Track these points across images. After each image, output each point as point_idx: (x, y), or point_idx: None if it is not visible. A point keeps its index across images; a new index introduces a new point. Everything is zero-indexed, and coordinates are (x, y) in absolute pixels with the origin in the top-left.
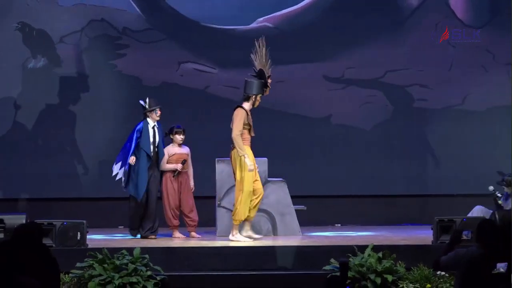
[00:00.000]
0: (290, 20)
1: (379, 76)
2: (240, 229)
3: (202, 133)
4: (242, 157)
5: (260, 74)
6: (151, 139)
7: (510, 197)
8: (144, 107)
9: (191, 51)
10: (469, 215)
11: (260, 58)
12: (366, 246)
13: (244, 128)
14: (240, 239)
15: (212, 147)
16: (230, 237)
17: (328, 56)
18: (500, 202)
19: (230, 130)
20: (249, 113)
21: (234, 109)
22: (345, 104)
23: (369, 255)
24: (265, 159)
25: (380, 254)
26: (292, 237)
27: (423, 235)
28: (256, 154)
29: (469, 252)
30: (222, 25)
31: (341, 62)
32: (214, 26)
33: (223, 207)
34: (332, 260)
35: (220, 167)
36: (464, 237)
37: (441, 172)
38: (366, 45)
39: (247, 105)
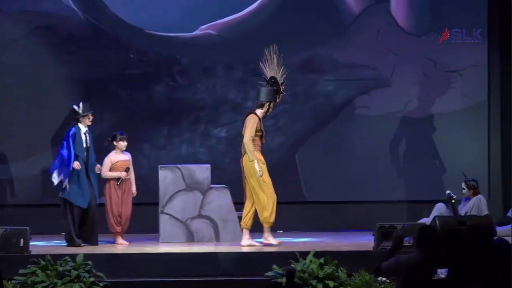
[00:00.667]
0: (233, 28)
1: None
2: (241, 237)
3: (145, 139)
4: (252, 163)
5: (273, 81)
6: (84, 145)
7: (471, 203)
8: (76, 112)
9: (135, 57)
10: (432, 214)
11: (271, 65)
12: (308, 252)
13: (255, 135)
14: (272, 242)
15: (155, 154)
16: (263, 240)
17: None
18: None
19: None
20: (261, 120)
21: (247, 115)
22: None
23: (310, 261)
24: (208, 165)
25: (322, 260)
26: (234, 243)
27: (365, 241)
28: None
29: (409, 258)
30: (165, 32)
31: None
32: (157, 33)
33: (166, 213)
34: (275, 266)
35: (163, 174)
36: (406, 243)
37: (384, 178)
38: (313, 50)
39: (260, 112)
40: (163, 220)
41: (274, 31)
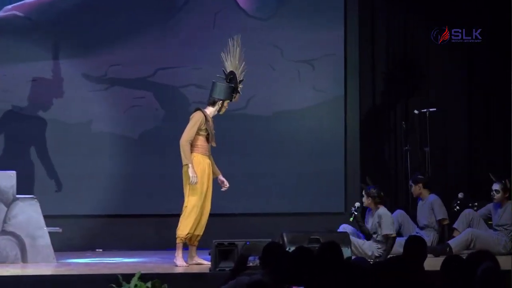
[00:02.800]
0: (44, 9)
1: (149, 74)
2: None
3: None
4: (187, 167)
5: (231, 77)
6: None
7: (374, 216)
8: None
9: None
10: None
11: (232, 59)
12: (133, 275)
13: (199, 134)
14: (178, 263)
15: None
16: (174, 260)
17: (89, 52)
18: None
19: None
20: (210, 119)
21: (194, 111)
22: (108, 107)
23: (135, 285)
24: (14, 172)
25: (150, 284)
26: (45, 264)
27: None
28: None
29: (252, 280)
30: None
31: (104, 59)
32: None
33: None
34: None
35: None
36: (250, 264)
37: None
38: (133, 39)
39: (210, 110)
40: None
41: (90, 17)
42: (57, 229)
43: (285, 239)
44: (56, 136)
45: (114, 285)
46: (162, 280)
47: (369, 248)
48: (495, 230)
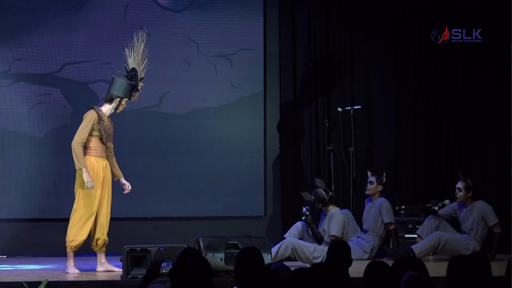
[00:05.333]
0: None
1: (56, 70)
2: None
3: None
4: (80, 171)
5: (133, 74)
6: None
7: (326, 218)
8: None
9: None
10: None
11: (136, 55)
12: (39, 283)
13: (92, 135)
14: (70, 271)
15: None
16: (66, 270)
17: None
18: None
19: None
20: (104, 118)
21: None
22: (12, 104)
23: None
24: None
25: None
26: None
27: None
28: None
29: None
30: None
31: (7, 53)
32: None
33: None
34: None
35: None
36: (163, 270)
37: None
38: (39, 32)
39: (106, 107)
40: None
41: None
42: None
43: (201, 244)
44: None
45: None
46: None
47: (320, 252)
48: (463, 233)
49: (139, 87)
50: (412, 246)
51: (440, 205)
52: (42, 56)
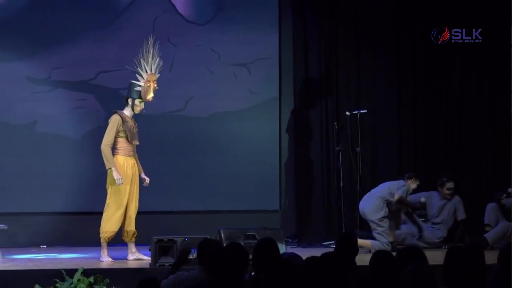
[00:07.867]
0: None
1: (90, 77)
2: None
3: None
4: (110, 171)
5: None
6: None
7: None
8: None
9: None
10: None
11: (147, 59)
12: (75, 270)
13: (119, 136)
14: (104, 259)
15: None
16: (100, 258)
17: (31, 56)
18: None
19: None
20: (128, 119)
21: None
22: (52, 109)
23: (78, 280)
24: None
25: (92, 279)
26: None
27: (143, 257)
28: None
29: (190, 277)
30: None
31: (46, 62)
32: None
33: None
34: (37, 286)
35: None
36: (192, 256)
37: (171, 186)
38: (75, 43)
39: (126, 110)
40: None
41: (28, 21)
42: (2, 226)
43: (222, 235)
44: (0, 137)
45: (58, 280)
46: (104, 275)
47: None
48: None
49: (151, 88)
50: (485, 235)
51: (505, 195)
52: (79, 65)
